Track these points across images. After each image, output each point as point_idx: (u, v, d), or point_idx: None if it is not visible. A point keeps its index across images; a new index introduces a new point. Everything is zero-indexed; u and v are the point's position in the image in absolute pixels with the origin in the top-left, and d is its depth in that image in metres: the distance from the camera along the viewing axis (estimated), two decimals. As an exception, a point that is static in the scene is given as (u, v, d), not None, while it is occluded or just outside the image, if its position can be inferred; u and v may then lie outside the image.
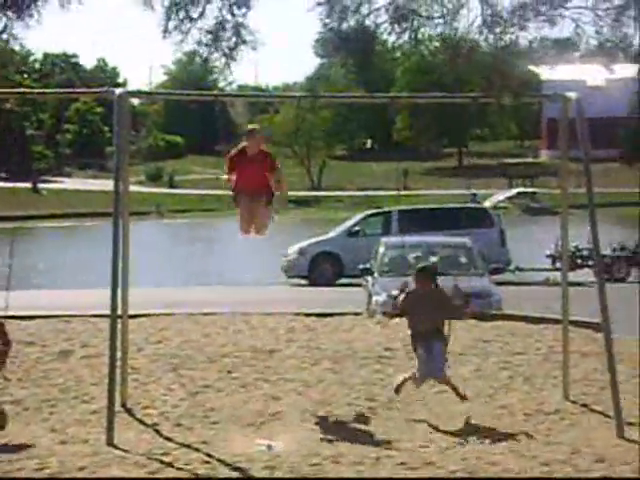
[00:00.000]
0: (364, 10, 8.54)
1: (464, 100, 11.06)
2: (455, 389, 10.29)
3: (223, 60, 8.51)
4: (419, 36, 8.64)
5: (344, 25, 8.45)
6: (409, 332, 10.31)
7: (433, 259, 19.25)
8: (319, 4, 8.40)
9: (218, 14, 8.40)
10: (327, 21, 8.37)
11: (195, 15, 8.23)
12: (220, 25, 8.33)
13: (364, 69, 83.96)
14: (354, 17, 8.45)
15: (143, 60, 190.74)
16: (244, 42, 8.50)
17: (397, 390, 10.41)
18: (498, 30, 8.73)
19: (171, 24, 8.21)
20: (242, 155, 10.64)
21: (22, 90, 27.18)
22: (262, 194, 10.63)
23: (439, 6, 8.65)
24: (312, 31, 9.43)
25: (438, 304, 10.09)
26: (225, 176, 10.95)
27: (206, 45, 8.41)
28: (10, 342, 9.51)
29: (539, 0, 8.54)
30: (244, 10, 8.38)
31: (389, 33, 8.64)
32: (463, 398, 10.24)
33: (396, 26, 8.53)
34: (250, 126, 11.08)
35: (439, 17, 8.76)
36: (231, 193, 10.77)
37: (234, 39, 8.35)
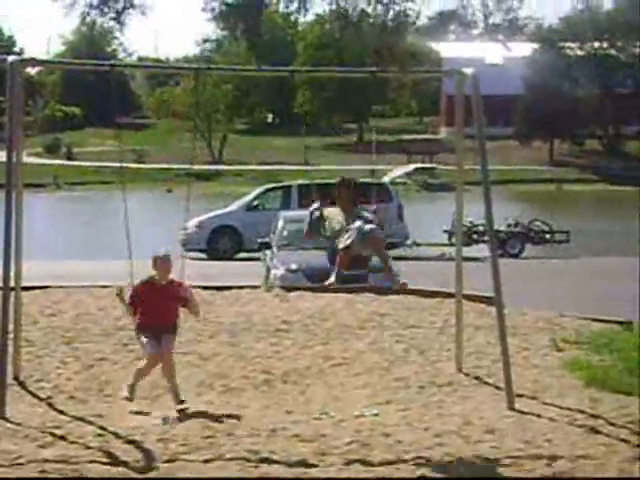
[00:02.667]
0: None
1: (363, 74, 11.08)
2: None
3: (112, 24, 8.40)
4: (308, 5, 8.62)
5: None
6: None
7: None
8: None
9: None
10: None
11: None
12: None
13: (253, 36, 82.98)
14: None
15: (41, 30, 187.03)
16: (132, 6, 8.39)
17: None
18: (385, 1, 8.79)
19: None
20: (150, 286, 9.51)
21: None
22: (168, 333, 9.52)
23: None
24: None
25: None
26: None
27: (96, 7, 8.30)
28: None
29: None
30: None
31: (277, 2, 8.61)
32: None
33: None
34: (162, 251, 9.66)
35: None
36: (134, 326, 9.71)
37: (122, 2, 8.25)
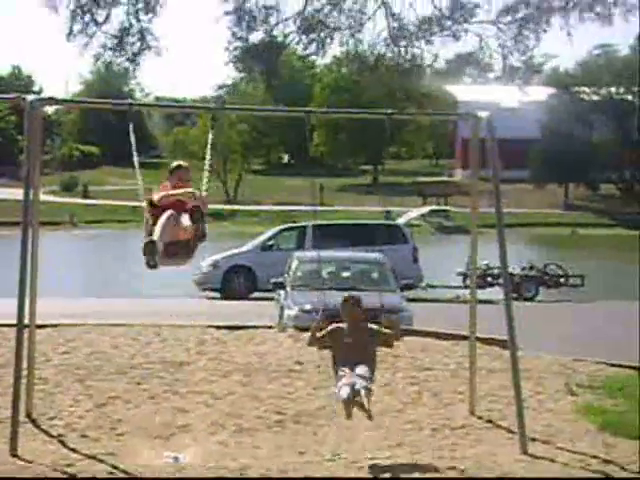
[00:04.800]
0: (272, 20, 8.65)
1: (378, 116, 11.12)
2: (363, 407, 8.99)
3: (127, 65, 8.54)
4: (326, 47, 8.72)
5: (252, 34, 8.52)
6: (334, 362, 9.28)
7: (345, 274, 19.36)
8: (227, 13, 8.47)
9: (124, 19, 8.42)
10: (235, 30, 8.46)
11: (100, 19, 8.24)
12: (125, 30, 8.34)
13: (271, 78, 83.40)
14: (262, 27, 8.54)
15: (59, 69, 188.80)
16: (149, 47, 8.51)
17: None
18: (403, 43, 8.90)
19: (76, 27, 8.19)
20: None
21: None
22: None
23: (346, 18, 8.77)
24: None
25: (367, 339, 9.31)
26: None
27: (110, 49, 8.43)
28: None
29: (444, 15, 8.73)
30: (149, 16, 8.40)
31: (297, 43, 8.74)
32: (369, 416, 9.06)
33: (304, 37, 8.64)
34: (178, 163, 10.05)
35: (346, 29, 8.89)
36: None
37: (139, 44, 8.38)
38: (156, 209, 9.37)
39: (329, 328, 9.31)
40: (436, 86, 79.73)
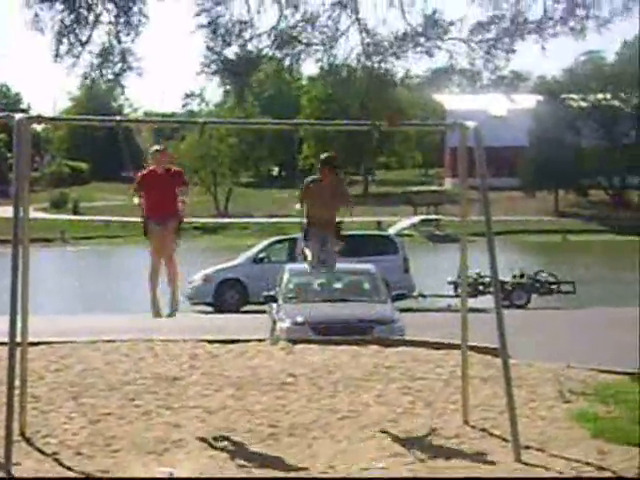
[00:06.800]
0: (246, 35, 8.72)
1: (366, 127, 11.15)
2: None
3: (111, 84, 8.62)
4: (300, 62, 8.82)
5: (227, 49, 8.60)
6: (305, 221, 11.14)
7: (337, 285, 19.38)
8: (202, 27, 8.53)
9: (105, 40, 8.48)
10: (211, 44, 8.54)
11: (84, 39, 8.29)
12: (107, 50, 8.41)
13: (244, 92, 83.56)
14: (237, 41, 8.61)
15: (47, 85, 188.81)
16: (130, 68, 8.58)
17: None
18: (377, 59, 8.97)
19: (62, 48, 8.23)
20: (151, 175, 10.83)
21: None
22: (170, 219, 10.93)
23: (320, 34, 8.84)
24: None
25: (335, 193, 10.93)
26: (136, 200, 11.13)
27: (97, 67, 8.49)
28: None
29: (417, 32, 8.82)
30: (131, 36, 8.46)
31: (270, 58, 8.82)
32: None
33: (277, 51, 8.72)
34: (155, 147, 11.20)
35: (319, 44, 8.96)
36: (140, 220, 11.09)
37: (120, 65, 8.44)
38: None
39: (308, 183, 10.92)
40: (421, 96, 79.83)
